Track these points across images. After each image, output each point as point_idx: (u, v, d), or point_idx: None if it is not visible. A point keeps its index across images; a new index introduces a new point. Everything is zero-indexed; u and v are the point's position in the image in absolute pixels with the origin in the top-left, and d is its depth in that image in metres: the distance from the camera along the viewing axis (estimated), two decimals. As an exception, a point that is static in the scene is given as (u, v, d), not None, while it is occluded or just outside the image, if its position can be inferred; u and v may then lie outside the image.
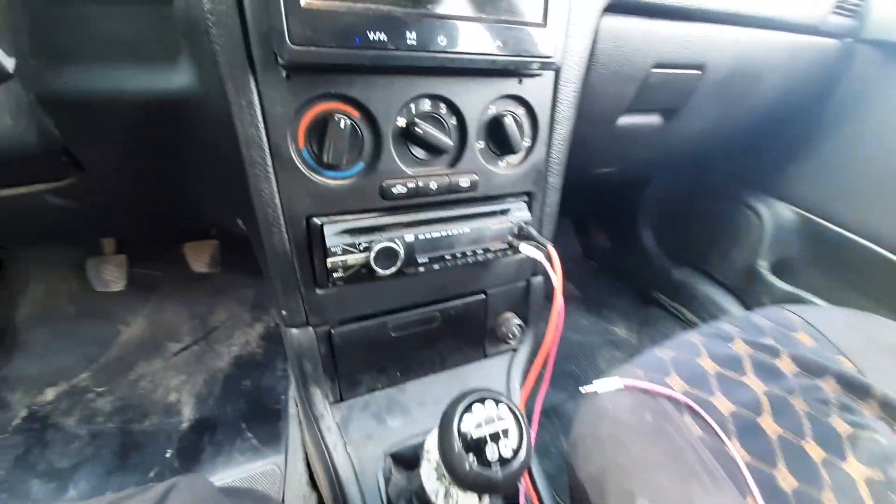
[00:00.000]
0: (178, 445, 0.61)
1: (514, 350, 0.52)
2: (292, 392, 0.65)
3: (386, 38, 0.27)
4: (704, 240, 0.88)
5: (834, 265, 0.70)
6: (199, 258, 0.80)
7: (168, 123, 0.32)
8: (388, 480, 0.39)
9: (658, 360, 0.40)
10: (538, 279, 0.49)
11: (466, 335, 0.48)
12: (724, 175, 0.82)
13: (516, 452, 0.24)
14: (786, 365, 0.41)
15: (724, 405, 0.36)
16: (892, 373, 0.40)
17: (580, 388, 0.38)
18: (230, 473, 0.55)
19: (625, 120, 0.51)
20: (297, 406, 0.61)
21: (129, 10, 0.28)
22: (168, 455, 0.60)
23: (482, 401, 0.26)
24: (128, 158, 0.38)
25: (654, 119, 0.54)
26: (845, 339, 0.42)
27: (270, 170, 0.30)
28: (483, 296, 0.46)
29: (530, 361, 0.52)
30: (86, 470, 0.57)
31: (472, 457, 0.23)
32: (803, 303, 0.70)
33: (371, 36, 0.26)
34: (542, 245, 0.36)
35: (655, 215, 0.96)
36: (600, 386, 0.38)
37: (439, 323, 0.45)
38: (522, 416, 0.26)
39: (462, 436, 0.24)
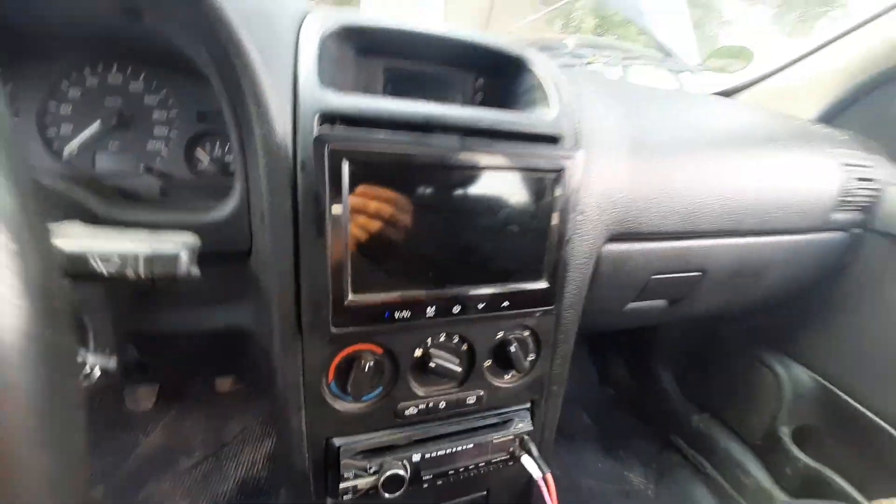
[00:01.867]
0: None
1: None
2: None
3: (409, 314, 0.32)
4: (724, 390, 0.86)
5: (855, 441, 0.67)
6: (224, 384, 0.85)
7: (230, 347, 0.38)
8: None
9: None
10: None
11: None
12: (738, 330, 0.82)
13: None
14: None
15: None
16: None
17: None
18: None
19: (631, 306, 0.54)
20: None
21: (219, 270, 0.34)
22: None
23: None
24: (188, 365, 0.44)
25: (660, 303, 0.57)
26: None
27: (301, 404, 0.35)
28: (485, 493, 0.46)
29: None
30: None
31: None
32: (824, 482, 0.67)
33: (398, 314, 0.32)
34: (542, 469, 0.38)
35: (675, 353, 0.96)
36: None
37: None
38: None
39: None
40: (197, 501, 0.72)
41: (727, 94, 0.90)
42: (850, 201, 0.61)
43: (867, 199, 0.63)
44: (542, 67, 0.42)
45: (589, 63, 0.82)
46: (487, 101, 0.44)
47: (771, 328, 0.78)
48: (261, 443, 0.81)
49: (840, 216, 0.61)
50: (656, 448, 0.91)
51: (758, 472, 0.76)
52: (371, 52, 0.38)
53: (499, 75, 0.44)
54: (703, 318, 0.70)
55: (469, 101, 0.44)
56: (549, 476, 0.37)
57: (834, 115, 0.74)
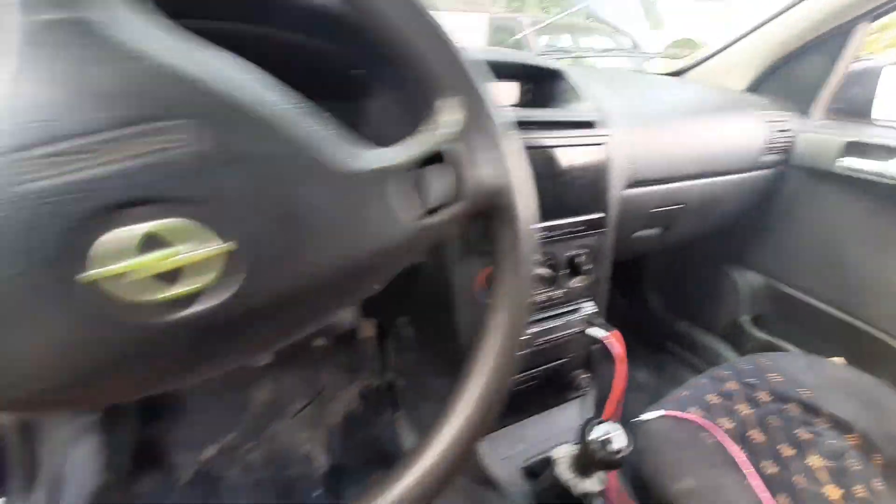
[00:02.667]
0: (323, 488, 0.79)
1: (583, 396, 0.75)
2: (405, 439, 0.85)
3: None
4: (698, 298, 1.13)
5: (797, 319, 0.96)
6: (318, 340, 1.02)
7: None
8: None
9: (681, 398, 0.63)
10: (598, 346, 0.73)
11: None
12: (706, 251, 1.10)
13: (620, 449, 0.46)
14: (763, 396, 0.63)
15: (727, 425, 0.59)
16: (836, 398, 0.63)
17: (631, 420, 0.60)
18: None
19: (637, 234, 0.78)
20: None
21: None
22: (316, 495, 0.78)
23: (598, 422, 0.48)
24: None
25: (655, 231, 0.81)
26: (805, 376, 0.65)
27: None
28: (567, 359, 0.69)
29: (598, 404, 0.74)
30: (258, 512, 0.76)
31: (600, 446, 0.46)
32: (777, 349, 0.94)
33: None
34: (607, 329, 0.61)
35: (659, 276, 1.22)
36: (648, 416, 0.60)
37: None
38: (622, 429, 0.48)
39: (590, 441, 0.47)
40: (315, 434, 0.90)
41: (677, 73, 1.15)
42: (773, 147, 0.87)
43: (785, 144, 0.89)
44: (572, 75, 0.63)
45: (577, 57, 1.05)
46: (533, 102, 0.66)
47: (728, 245, 1.05)
48: (350, 387, 1.00)
49: (768, 158, 0.87)
50: (652, 352, 1.18)
51: (727, 352, 1.04)
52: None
53: (540, 82, 0.65)
54: (682, 241, 0.95)
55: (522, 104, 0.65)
56: (615, 332, 0.59)
57: (758, 85, 1.00)
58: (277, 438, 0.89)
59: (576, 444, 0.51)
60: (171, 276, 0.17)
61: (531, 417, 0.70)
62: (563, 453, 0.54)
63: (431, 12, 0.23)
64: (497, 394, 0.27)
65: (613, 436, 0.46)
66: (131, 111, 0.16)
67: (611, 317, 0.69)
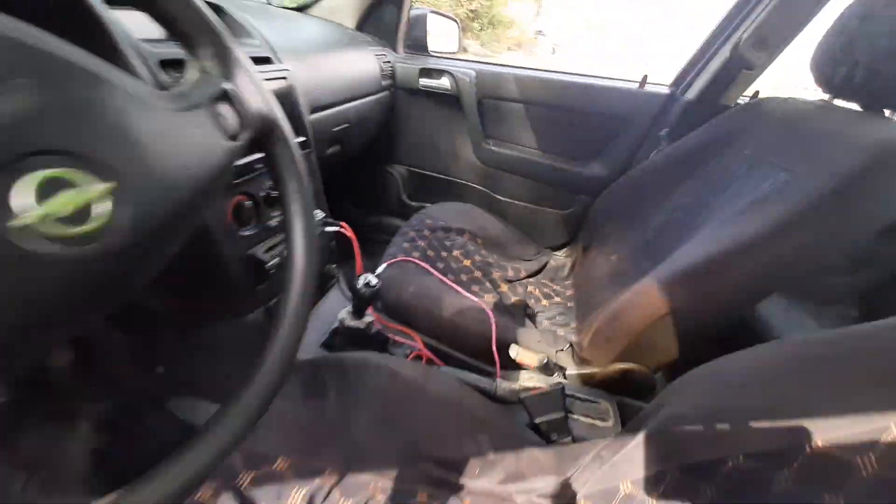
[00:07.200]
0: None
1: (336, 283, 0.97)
2: None
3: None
4: (373, 194, 1.53)
5: (425, 186, 1.50)
6: None
7: None
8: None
9: (390, 253, 0.97)
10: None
11: None
12: (369, 157, 1.47)
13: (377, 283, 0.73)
14: (427, 232, 1.06)
15: (416, 253, 0.97)
16: (455, 219, 1.13)
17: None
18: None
19: (327, 153, 1.00)
20: None
21: None
22: None
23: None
24: None
25: (337, 148, 1.05)
26: (441, 214, 1.12)
27: None
28: None
29: (348, 279, 0.99)
30: None
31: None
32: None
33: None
34: (337, 224, 0.82)
35: (344, 188, 1.53)
36: (378, 269, 0.91)
37: None
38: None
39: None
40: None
41: (301, 9, 1.33)
42: (384, 74, 1.24)
43: (390, 72, 1.29)
44: (232, 10, 0.70)
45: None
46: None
47: (381, 151, 1.46)
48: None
49: (384, 83, 1.24)
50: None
51: (400, 221, 1.52)
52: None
53: None
54: (354, 153, 1.25)
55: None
56: (342, 223, 0.82)
57: (361, 25, 1.34)
58: None
59: (350, 300, 0.74)
60: (76, 218, 0.21)
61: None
62: (343, 313, 0.76)
63: None
64: (312, 286, 0.39)
65: (369, 278, 0.73)
66: None
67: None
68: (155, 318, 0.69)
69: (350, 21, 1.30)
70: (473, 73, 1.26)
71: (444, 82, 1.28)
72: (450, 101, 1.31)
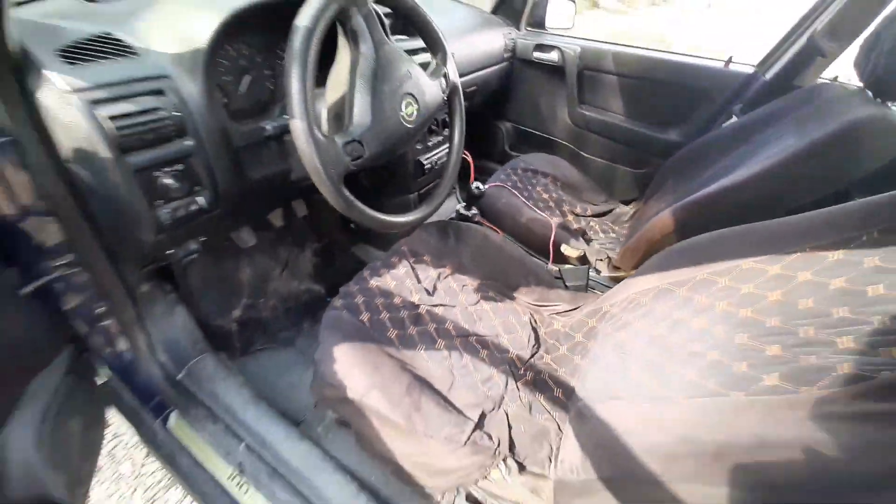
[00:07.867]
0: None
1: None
2: None
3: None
4: (485, 141, 1.95)
5: (524, 140, 1.87)
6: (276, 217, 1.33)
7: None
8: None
9: (491, 178, 1.39)
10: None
11: None
12: (485, 113, 1.88)
13: (481, 189, 1.18)
14: (520, 171, 1.46)
15: (509, 183, 1.38)
16: (546, 166, 1.50)
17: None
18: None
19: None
20: None
21: None
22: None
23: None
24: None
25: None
26: (533, 161, 1.50)
27: None
28: None
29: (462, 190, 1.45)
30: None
31: None
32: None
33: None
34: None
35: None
36: (483, 186, 1.34)
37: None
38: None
39: None
40: (300, 278, 1.33)
41: (451, -5, 1.75)
42: (507, 48, 1.61)
43: (512, 46, 1.65)
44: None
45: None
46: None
47: (494, 108, 1.85)
48: (312, 246, 1.42)
49: (506, 55, 1.62)
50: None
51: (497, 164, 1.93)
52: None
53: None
54: (476, 109, 1.67)
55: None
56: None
57: (497, 9, 1.70)
58: (278, 290, 1.29)
59: (464, 201, 1.20)
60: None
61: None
62: (459, 206, 1.22)
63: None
64: (456, 171, 0.90)
65: (478, 184, 1.17)
66: None
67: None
68: (363, 192, 1.23)
69: (488, 5, 1.68)
70: (578, 49, 1.56)
71: (553, 56, 1.61)
72: (556, 71, 1.64)
